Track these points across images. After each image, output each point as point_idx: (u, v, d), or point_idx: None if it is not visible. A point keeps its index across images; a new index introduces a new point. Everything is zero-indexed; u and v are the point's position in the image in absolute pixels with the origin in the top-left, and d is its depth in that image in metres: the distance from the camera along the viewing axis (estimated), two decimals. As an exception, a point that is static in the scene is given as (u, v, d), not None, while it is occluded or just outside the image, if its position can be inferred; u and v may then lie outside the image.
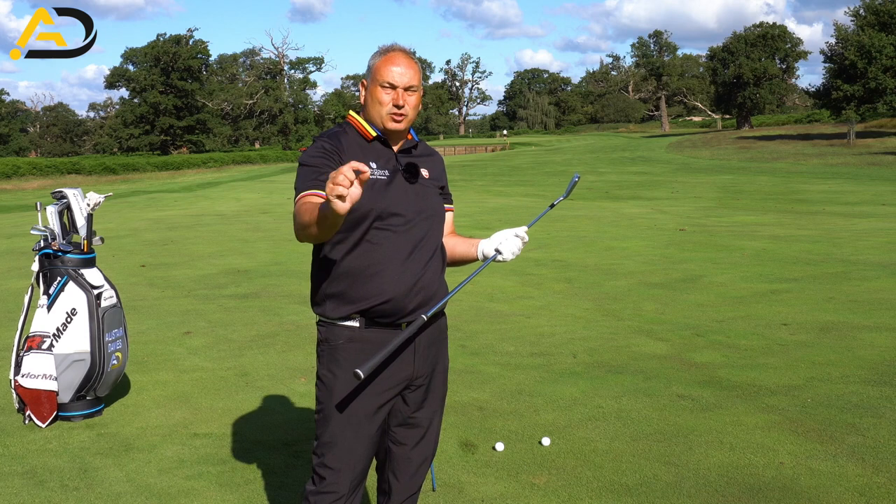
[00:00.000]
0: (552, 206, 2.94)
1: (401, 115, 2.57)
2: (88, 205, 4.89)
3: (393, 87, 2.55)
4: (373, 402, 2.56)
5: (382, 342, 2.53)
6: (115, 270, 9.99)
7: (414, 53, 2.67)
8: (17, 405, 4.80)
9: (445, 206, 2.81)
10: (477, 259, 2.76)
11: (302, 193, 2.40)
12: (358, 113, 2.68)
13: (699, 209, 18.67)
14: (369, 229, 2.51)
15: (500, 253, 2.66)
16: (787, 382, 5.26)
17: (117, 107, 79.41)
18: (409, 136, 2.69)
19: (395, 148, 2.64)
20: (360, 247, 2.51)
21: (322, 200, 2.21)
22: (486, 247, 2.72)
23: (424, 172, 2.68)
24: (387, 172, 2.57)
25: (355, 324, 2.54)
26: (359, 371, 2.29)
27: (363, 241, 2.51)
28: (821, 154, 40.13)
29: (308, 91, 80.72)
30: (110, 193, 5.83)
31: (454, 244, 2.80)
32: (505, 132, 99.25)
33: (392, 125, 2.57)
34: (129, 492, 3.81)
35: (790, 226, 14.72)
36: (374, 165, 2.55)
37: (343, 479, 2.55)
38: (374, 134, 2.61)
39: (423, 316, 2.46)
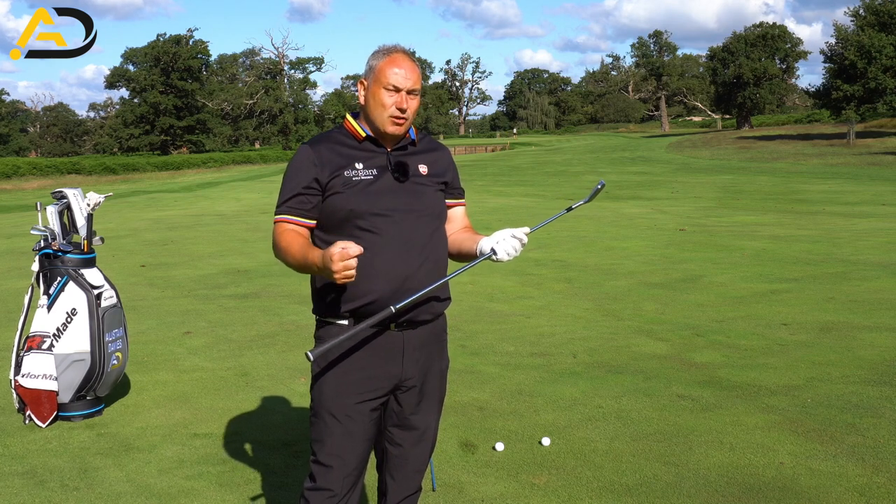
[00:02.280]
0: (569, 209, 2.84)
1: (402, 118, 2.55)
2: (88, 205, 4.89)
3: (397, 90, 2.52)
4: (361, 401, 2.56)
5: (371, 340, 2.56)
6: (115, 270, 9.99)
7: (413, 54, 2.66)
8: (17, 405, 4.80)
9: (453, 201, 2.76)
10: (476, 254, 2.66)
11: (280, 216, 2.57)
12: (356, 116, 2.67)
13: (699, 209, 18.67)
14: (353, 230, 2.51)
15: (494, 253, 2.56)
16: (787, 382, 5.26)
17: (117, 107, 79.36)
18: (406, 134, 2.66)
19: (390, 146, 2.62)
20: None
21: (299, 228, 2.54)
22: (484, 244, 2.61)
23: (422, 169, 2.64)
24: (374, 172, 2.55)
25: (345, 323, 2.55)
26: (308, 353, 2.36)
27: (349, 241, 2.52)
28: (821, 154, 40.11)
29: (308, 91, 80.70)
30: (110, 193, 5.83)
31: (462, 240, 2.72)
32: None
33: (393, 129, 2.55)
34: (129, 492, 3.81)
35: (790, 226, 14.72)
36: (359, 166, 2.55)
37: (335, 476, 2.56)
38: (363, 134, 2.60)
39: (392, 307, 2.41)
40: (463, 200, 2.83)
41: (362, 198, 2.50)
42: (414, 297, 2.45)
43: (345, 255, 2.23)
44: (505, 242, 2.57)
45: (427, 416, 2.72)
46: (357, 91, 2.67)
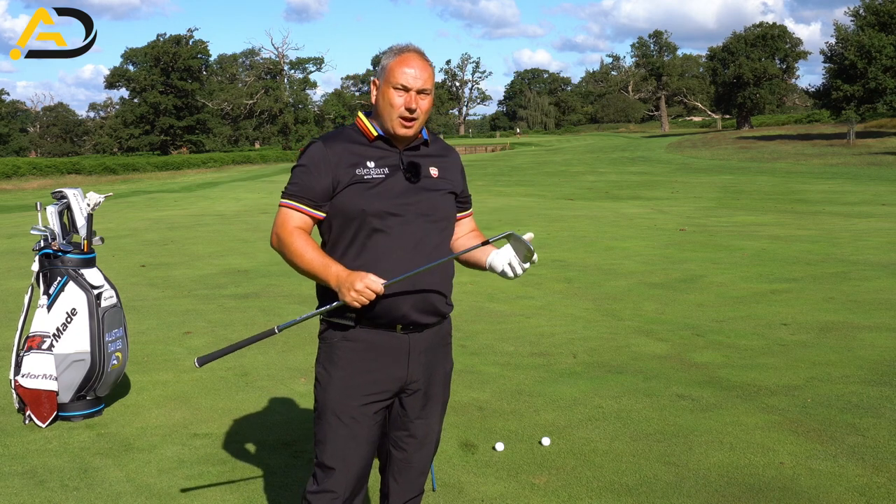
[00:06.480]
0: (486, 242, 2.69)
1: (412, 119, 2.53)
2: (88, 205, 4.89)
3: (406, 89, 2.51)
4: (366, 403, 2.55)
5: (377, 342, 2.54)
6: (115, 270, 9.99)
7: (424, 54, 2.61)
8: (17, 405, 4.80)
9: (462, 213, 2.75)
10: (484, 267, 2.65)
11: (289, 200, 2.55)
12: (369, 115, 2.64)
13: (699, 209, 18.67)
14: (362, 228, 2.50)
15: (505, 274, 2.59)
16: (787, 382, 5.26)
17: (117, 107, 79.34)
18: (419, 135, 2.64)
19: (402, 146, 2.60)
20: (353, 246, 2.52)
21: (306, 217, 2.54)
22: (495, 260, 2.61)
23: (433, 171, 2.62)
24: (385, 171, 2.53)
25: (350, 323, 2.54)
26: (196, 361, 2.58)
27: (357, 241, 2.51)
28: (821, 154, 40.08)
29: (308, 91, 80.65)
30: (110, 193, 5.83)
31: (467, 244, 2.72)
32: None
33: (402, 131, 2.54)
34: (129, 492, 3.81)
35: (790, 226, 14.71)
36: (371, 164, 2.53)
37: (339, 478, 2.54)
38: (375, 133, 2.58)
39: (276, 329, 2.53)
40: (470, 210, 2.83)
41: (373, 197, 2.49)
42: (400, 277, 2.45)
43: (370, 287, 2.38)
44: (515, 262, 2.58)
45: (431, 420, 2.71)
46: (371, 90, 2.64)
